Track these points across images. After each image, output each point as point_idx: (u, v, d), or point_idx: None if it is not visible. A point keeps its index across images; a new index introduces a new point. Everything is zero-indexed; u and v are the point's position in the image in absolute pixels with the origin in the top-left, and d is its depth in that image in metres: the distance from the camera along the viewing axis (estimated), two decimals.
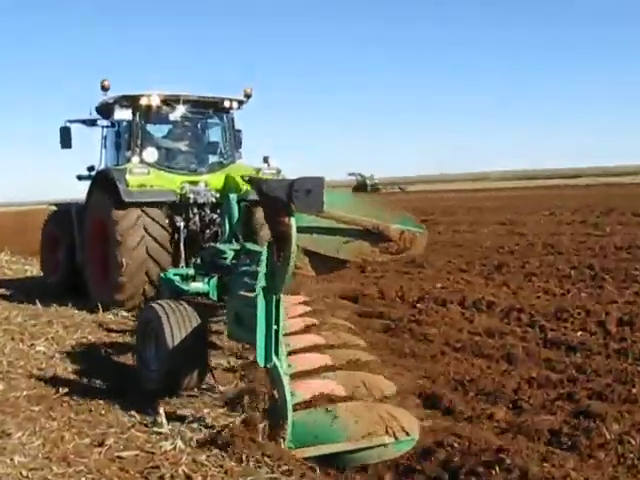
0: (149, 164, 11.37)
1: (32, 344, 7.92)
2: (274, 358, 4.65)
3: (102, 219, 10.86)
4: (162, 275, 7.70)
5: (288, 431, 4.51)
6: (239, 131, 12.91)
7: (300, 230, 4.52)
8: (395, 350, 7.27)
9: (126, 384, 6.32)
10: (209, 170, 12.03)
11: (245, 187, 10.22)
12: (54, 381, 6.51)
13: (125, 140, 12.09)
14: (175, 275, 7.36)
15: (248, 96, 12.43)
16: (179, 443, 4.81)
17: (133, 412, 5.61)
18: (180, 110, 12.12)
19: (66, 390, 6.22)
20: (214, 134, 12.78)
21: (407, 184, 75.50)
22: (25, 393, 6.18)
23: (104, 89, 11.68)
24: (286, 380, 4.61)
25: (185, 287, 7.08)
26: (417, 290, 10.56)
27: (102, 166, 12.52)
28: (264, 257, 4.65)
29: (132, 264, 9.85)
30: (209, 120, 12.69)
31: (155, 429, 5.16)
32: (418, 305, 9.51)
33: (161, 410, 5.39)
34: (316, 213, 4.57)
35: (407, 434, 4.50)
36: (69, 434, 5.12)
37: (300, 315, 7.13)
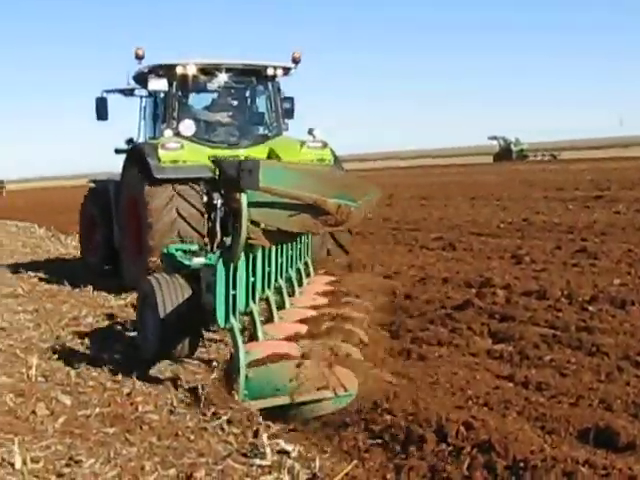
0: (186, 137, 12.35)
1: (105, 351, 7.96)
2: (232, 319, 6.20)
3: (135, 197, 11.83)
4: (164, 250, 8.55)
5: (242, 385, 5.93)
6: (291, 99, 14.02)
7: (252, 205, 5.93)
8: (557, 366, 6.78)
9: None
10: (251, 143, 12.97)
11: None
12: (132, 397, 6.52)
13: (162, 112, 13.10)
14: (177, 250, 8.29)
15: (296, 61, 13.24)
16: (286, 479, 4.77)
17: (229, 437, 5.51)
18: (219, 79, 13.13)
19: (147, 409, 6.20)
20: (257, 104, 13.74)
21: (574, 149, 73.53)
22: (97, 411, 6.17)
23: (138, 58, 12.63)
24: (240, 340, 6.08)
25: (187, 262, 7.86)
26: (589, 287, 10.06)
27: (141, 139, 13.62)
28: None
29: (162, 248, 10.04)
30: (252, 89, 13.63)
31: (257, 461, 5.05)
32: (589, 307, 8.93)
33: (264, 437, 5.25)
34: (255, 189, 5.87)
35: (346, 390, 5.82)
36: (150, 463, 5.05)
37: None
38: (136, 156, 12.15)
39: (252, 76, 13.45)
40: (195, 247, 8.31)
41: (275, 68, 13.24)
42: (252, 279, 6.90)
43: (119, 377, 7.12)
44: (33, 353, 8.09)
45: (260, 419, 5.72)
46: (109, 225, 13.49)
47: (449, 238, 16.20)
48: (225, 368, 6.40)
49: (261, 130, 13.55)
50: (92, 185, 15.13)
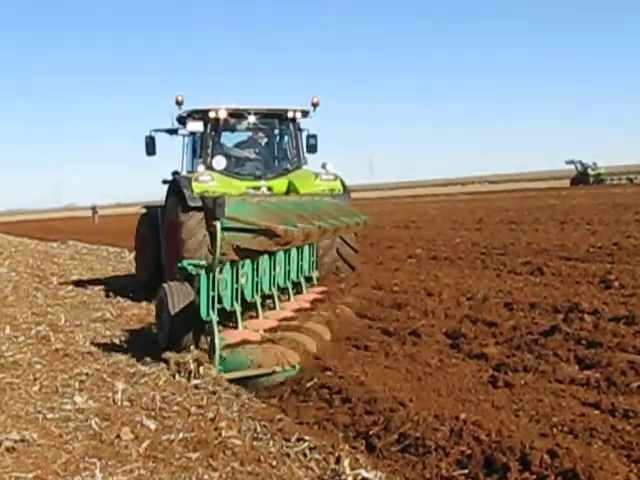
0: (218, 171, 14.52)
1: (191, 377, 8.04)
2: (211, 314, 8.51)
3: (174, 221, 13.88)
4: (178, 264, 10.08)
5: (217, 362, 8.11)
6: (314, 136, 16.39)
7: (225, 229, 8.37)
8: None
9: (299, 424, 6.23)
10: (274, 176, 15.29)
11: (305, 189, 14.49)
12: (216, 422, 6.59)
13: (198, 149, 15.58)
14: (189, 265, 9.79)
15: (315, 105, 15.73)
16: None
17: (311, 463, 5.54)
18: (247, 121, 15.59)
19: (230, 434, 6.25)
20: (280, 142, 16.16)
21: None
22: (181, 436, 6.27)
23: (178, 103, 15.11)
24: (217, 329, 8.31)
25: (193, 273, 9.36)
26: None
27: (183, 172, 16.01)
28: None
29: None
30: (275, 129, 16.09)
31: None
32: None
33: (346, 464, 5.22)
34: (222, 218, 8.24)
35: (291, 365, 7.87)
36: None
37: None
38: (175, 187, 14.32)
39: (275, 118, 15.83)
40: (204, 262, 9.48)
41: (295, 112, 15.57)
42: (236, 285, 9.44)
43: (203, 402, 7.20)
44: (119, 377, 8.27)
45: (345, 446, 5.74)
46: (158, 245, 15.59)
47: (537, 262, 15.94)
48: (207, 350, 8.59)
49: (283, 164, 15.83)
50: (144, 210, 17.23)
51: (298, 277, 12.28)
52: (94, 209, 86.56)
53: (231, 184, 14.47)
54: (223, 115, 15.20)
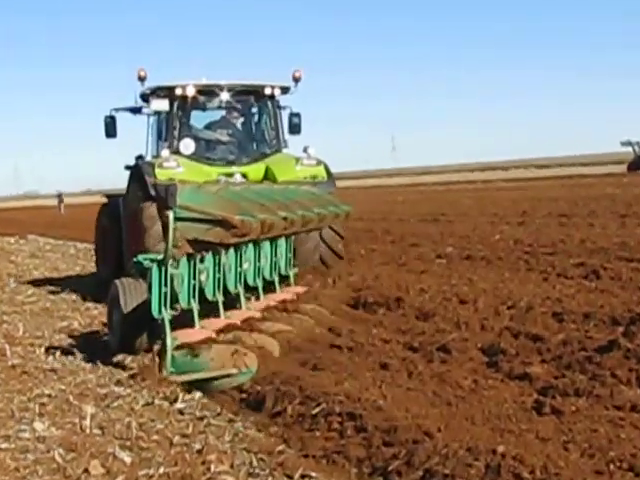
0: (186, 156, 15.36)
1: (175, 400, 8.01)
2: (163, 312, 9.09)
3: (134, 211, 14.52)
4: (134, 259, 10.51)
5: (168, 363, 8.70)
6: (297, 115, 17.28)
7: (179, 220, 9.07)
8: None
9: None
10: (249, 160, 16.17)
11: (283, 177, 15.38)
12: (204, 455, 6.58)
13: (164, 131, 16.35)
14: (145, 259, 10.21)
15: (297, 80, 16.51)
16: None
17: None
18: (219, 99, 16.44)
19: (221, 468, 6.25)
20: (256, 123, 17.09)
21: None
22: (162, 471, 6.25)
23: (141, 79, 15.69)
24: (169, 328, 8.92)
25: (148, 267, 9.74)
26: None
27: (148, 156, 16.68)
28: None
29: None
30: (251, 108, 17.03)
31: None
32: None
33: None
34: (174, 207, 8.93)
35: (247, 367, 8.55)
36: None
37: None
38: (137, 174, 15.09)
39: (250, 96, 16.75)
40: (161, 256, 9.80)
41: (273, 88, 16.38)
42: (193, 282, 9.86)
43: (189, 430, 7.22)
44: (88, 400, 8.28)
45: None
46: (120, 238, 16.19)
47: (593, 264, 15.91)
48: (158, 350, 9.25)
49: (260, 148, 16.78)
50: (104, 200, 18.07)
51: (271, 275, 12.63)
52: (60, 197, 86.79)
53: (200, 170, 15.31)
54: (191, 92, 15.93)
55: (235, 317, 10.67)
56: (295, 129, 17.43)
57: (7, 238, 39.56)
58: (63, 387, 8.94)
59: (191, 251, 9.79)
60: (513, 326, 10.69)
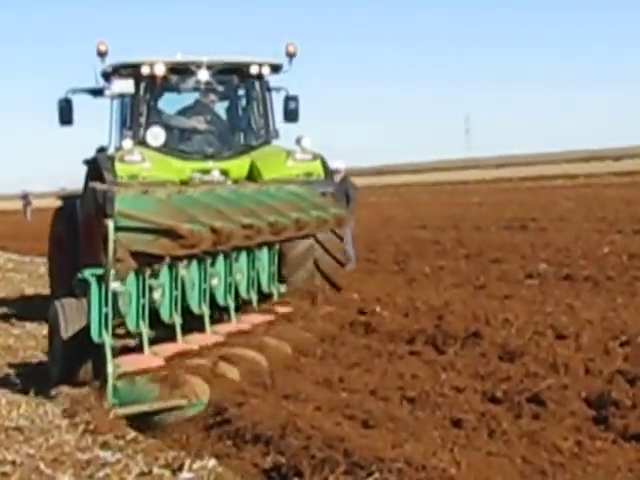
0: (155, 148, 15.95)
1: (179, 468, 8.03)
2: (104, 335, 10.17)
3: (90, 216, 14.01)
4: (78, 275, 10.91)
5: (109, 394, 9.75)
6: (294, 99, 17.97)
7: (120, 229, 10.07)
8: None
9: None
10: (232, 154, 16.87)
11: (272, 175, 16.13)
12: None
13: (128, 117, 16.85)
14: (92, 276, 10.62)
15: (291, 55, 17.05)
16: None
17: None
18: (195, 79, 16.81)
19: None
20: (241, 108, 17.76)
21: None
22: None
23: (101, 54, 16.15)
24: (110, 354, 10.00)
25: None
26: None
27: (111, 148, 17.22)
28: None
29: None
30: (234, 91, 17.74)
31: None
32: None
33: None
34: (112, 215, 9.91)
35: (198, 398, 9.53)
36: None
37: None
38: (94, 170, 15.57)
39: (234, 75, 17.35)
40: (113, 271, 10.50)
41: (261, 65, 16.88)
42: (142, 301, 10.96)
43: None
44: (65, 468, 8.33)
45: None
46: (78, 248, 16.11)
47: None
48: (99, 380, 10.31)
49: (244, 139, 17.55)
50: (59, 203, 18.48)
51: (248, 293, 13.89)
52: (26, 199, 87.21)
53: (170, 166, 15.98)
54: (160, 71, 16.37)
55: (194, 342, 11.67)
56: (291, 116, 18.04)
57: None
58: (32, 451, 8.94)
59: (135, 265, 10.94)
60: (628, 369, 10.67)
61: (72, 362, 11.13)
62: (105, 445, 8.99)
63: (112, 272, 10.33)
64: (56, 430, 9.74)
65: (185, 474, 7.99)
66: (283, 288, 15.08)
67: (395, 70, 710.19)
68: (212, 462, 8.30)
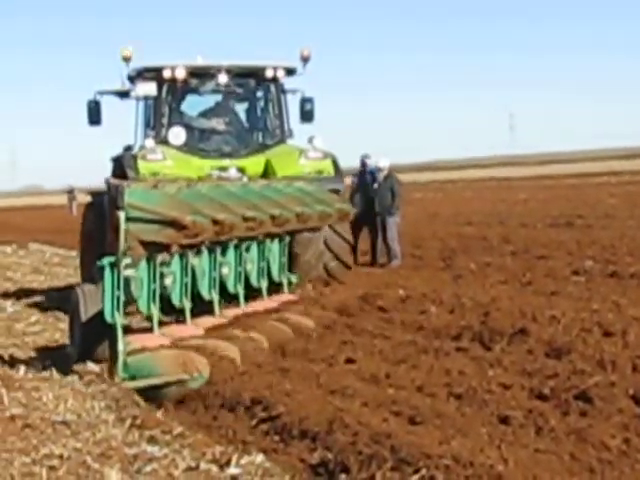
0: (176, 147, 17.42)
1: (226, 463, 8.14)
2: (116, 316, 11.17)
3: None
4: (97, 262, 11.69)
5: (120, 369, 10.86)
6: (310, 100, 19.48)
7: (131, 220, 11.15)
8: None
9: None
10: (248, 153, 18.31)
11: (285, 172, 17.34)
12: None
13: (151, 118, 18.36)
14: (106, 262, 11.56)
15: (305, 59, 18.45)
16: None
17: None
18: (214, 83, 18.23)
19: None
20: (257, 110, 19.26)
21: None
22: None
23: (125, 60, 17.49)
24: (121, 333, 11.11)
25: None
26: None
27: (137, 147, 18.38)
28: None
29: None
30: (251, 93, 19.15)
31: None
32: None
33: None
34: (123, 208, 11.08)
35: (200, 373, 10.65)
36: None
37: None
38: (119, 167, 16.92)
39: (251, 78, 18.76)
40: (129, 259, 11.72)
41: (275, 69, 18.24)
42: (153, 286, 12.05)
43: None
44: (112, 463, 8.36)
45: None
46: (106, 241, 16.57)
47: None
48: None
49: (260, 138, 19.05)
50: (89, 199, 19.51)
51: (259, 282, 14.79)
52: (71, 193, 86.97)
53: (190, 164, 17.37)
54: (181, 75, 17.75)
55: (202, 325, 12.99)
56: (307, 116, 19.60)
57: (1, 247, 40.09)
58: (79, 445, 8.99)
59: (144, 252, 11.99)
60: None
61: (90, 342, 12.30)
62: (152, 440, 9.00)
63: (126, 259, 11.51)
64: (103, 424, 9.76)
65: (233, 469, 8.01)
66: (294, 278, 16.07)
67: (442, 67, 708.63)
68: (260, 457, 8.33)
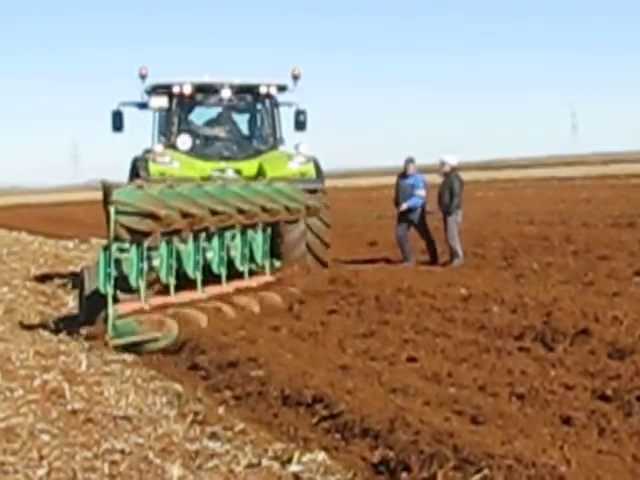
0: (183, 152, 20.62)
1: (288, 460, 8.00)
2: (107, 287, 14.69)
3: None
4: (103, 246, 15.35)
5: (109, 330, 14.33)
6: (303, 112, 22.79)
7: (120, 213, 14.60)
8: None
9: None
10: (245, 157, 21.52)
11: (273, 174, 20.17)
12: None
13: (164, 126, 21.81)
14: (102, 247, 15.38)
15: (296, 77, 21.77)
16: None
17: None
18: (217, 97, 21.81)
19: None
20: (253, 120, 22.74)
21: None
22: None
23: (142, 77, 21.03)
24: (111, 301, 14.67)
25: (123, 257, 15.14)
26: None
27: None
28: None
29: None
30: (249, 106, 22.59)
31: None
32: None
33: None
34: (112, 204, 14.48)
35: (170, 332, 14.09)
36: None
37: None
38: (134, 168, 20.22)
39: (249, 93, 22.09)
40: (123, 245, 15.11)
41: (269, 86, 21.56)
42: (141, 265, 14.96)
43: None
44: (173, 458, 8.43)
45: None
46: None
47: None
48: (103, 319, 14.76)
49: (255, 145, 22.22)
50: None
51: (242, 265, 17.49)
52: None
53: (194, 166, 20.46)
54: (188, 90, 21.17)
55: (183, 297, 15.92)
56: (301, 126, 22.86)
57: (64, 241, 40.20)
58: (140, 441, 9.09)
59: (129, 238, 14.91)
60: None
61: (92, 309, 15.59)
62: (213, 436, 9.02)
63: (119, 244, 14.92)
64: (164, 420, 9.82)
65: (294, 466, 8.02)
66: (278, 263, 19.10)
67: (504, 65, 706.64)
68: (321, 455, 8.33)
